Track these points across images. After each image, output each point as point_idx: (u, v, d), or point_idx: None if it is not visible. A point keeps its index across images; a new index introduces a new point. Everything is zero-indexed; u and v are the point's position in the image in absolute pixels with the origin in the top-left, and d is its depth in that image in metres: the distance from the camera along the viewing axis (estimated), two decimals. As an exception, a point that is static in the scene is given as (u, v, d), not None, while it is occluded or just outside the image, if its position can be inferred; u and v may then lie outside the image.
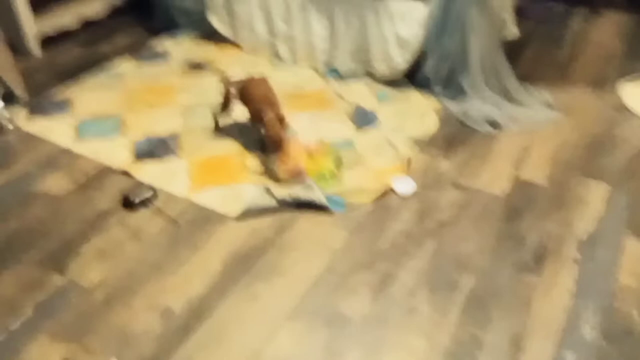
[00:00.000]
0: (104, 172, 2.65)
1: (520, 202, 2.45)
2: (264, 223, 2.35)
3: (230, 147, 2.75)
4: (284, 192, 2.40)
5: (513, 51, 3.23)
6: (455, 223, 2.35)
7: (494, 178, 2.58)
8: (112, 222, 2.38)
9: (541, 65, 3.44)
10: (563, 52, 3.62)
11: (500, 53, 2.93)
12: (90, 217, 2.40)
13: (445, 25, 2.87)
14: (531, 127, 2.88)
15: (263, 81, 2.75)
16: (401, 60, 3.06)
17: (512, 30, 3.36)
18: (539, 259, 2.19)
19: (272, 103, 2.64)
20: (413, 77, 3.19)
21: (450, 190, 2.52)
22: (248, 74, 2.81)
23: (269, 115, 2.56)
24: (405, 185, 2.51)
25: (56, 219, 2.38)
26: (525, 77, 3.14)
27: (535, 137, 2.83)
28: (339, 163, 2.60)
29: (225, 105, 2.80)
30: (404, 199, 2.47)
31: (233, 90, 2.74)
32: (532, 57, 3.53)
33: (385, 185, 2.51)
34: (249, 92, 2.70)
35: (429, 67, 3.03)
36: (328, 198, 2.40)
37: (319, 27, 3.25)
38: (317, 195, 2.38)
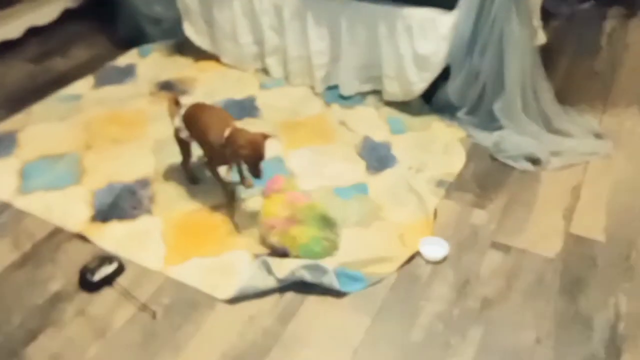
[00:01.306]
0: (55, 236, 2.11)
1: (578, 266, 1.98)
2: (263, 307, 1.84)
3: (215, 197, 2.22)
4: (286, 269, 1.88)
5: (543, 62, 2.73)
6: (503, 300, 1.87)
7: (542, 233, 2.10)
8: (67, 310, 1.85)
9: (577, 79, 2.95)
10: (600, 61, 3.14)
11: (541, 72, 2.43)
12: (38, 302, 1.87)
13: (475, 38, 2.36)
14: (577, 162, 2.40)
15: (206, 105, 2.19)
16: (418, 80, 2.55)
17: (540, 37, 2.86)
18: (614, 350, 1.73)
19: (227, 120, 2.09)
20: (429, 98, 2.69)
21: (491, 252, 2.04)
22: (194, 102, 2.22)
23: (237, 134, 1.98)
24: (435, 248, 2.02)
25: (-8, 307, 1.85)
26: (561, 95, 2.64)
27: (583, 175, 2.35)
28: (328, 224, 2.03)
29: (185, 150, 2.24)
30: (435, 265, 1.99)
31: (179, 123, 2.16)
32: (566, 69, 3.04)
33: (411, 249, 2.01)
34: (195, 120, 2.12)
35: (452, 89, 2.52)
36: (342, 273, 1.89)
37: (316, 37, 2.70)
38: (327, 278, 1.86)
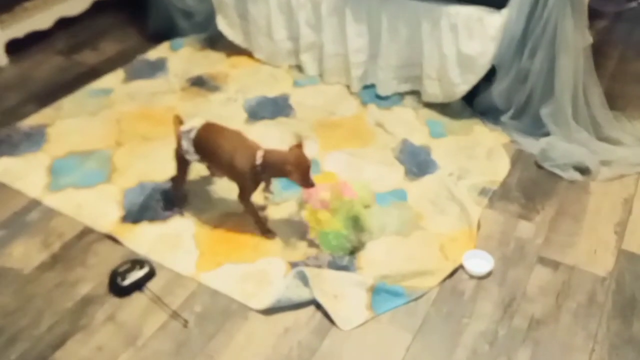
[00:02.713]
0: (86, 236, 2.05)
1: (632, 286, 1.86)
2: (299, 320, 1.76)
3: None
4: (324, 282, 1.80)
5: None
6: (552, 320, 1.76)
7: (592, 249, 1.99)
8: (97, 315, 1.79)
9: (625, 83, 2.80)
10: (649, 64, 3.00)
11: (593, 75, 2.30)
12: (67, 306, 1.81)
13: (526, 38, 2.23)
14: (628, 172, 2.27)
15: (220, 128, 1.99)
16: (461, 82, 2.43)
17: (586, 37, 2.72)
18: (673, 379, 1.62)
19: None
20: (470, 100, 2.57)
21: (539, 267, 1.93)
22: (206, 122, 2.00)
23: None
24: (480, 262, 1.91)
25: (21, 308, 1.79)
26: (608, 100, 2.49)
27: (635, 187, 2.22)
28: (356, 227, 1.96)
29: (183, 170, 2.06)
30: (479, 280, 1.89)
31: (187, 147, 1.95)
32: (613, 72, 2.89)
33: (454, 262, 1.92)
34: (211, 145, 1.94)
35: (498, 91, 2.40)
36: (381, 289, 1.80)
37: (355, 35, 2.60)
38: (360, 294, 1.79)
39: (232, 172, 1.94)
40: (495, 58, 2.33)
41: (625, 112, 2.53)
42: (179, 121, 2.03)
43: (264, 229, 2.01)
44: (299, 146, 1.85)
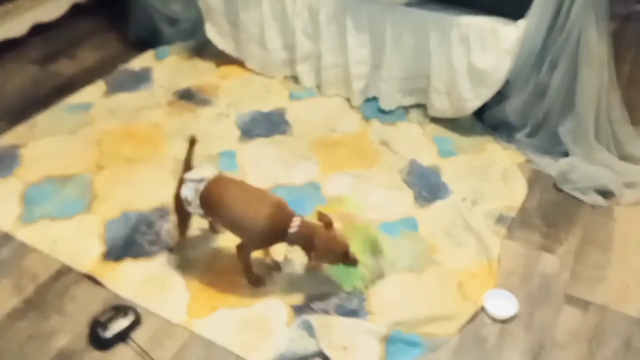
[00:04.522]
0: (62, 276, 1.83)
1: (670, 328, 1.71)
2: (305, 376, 1.57)
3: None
4: (332, 332, 1.60)
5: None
6: (586, 371, 1.60)
7: (623, 284, 1.81)
8: (77, 376, 1.58)
9: (641, 93, 2.65)
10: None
11: (615, 87, 2.13)
12: (42, 363, 1.60)
13: (545, 50, 2.05)
14: (654, 195, 2.11)
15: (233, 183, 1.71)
16: (472, 97, 2.24)
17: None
18: None
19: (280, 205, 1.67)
20: (480, 114, 2.39)
21: (567, 308, 1.75)
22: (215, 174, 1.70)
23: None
24: (502, 303, 1.73)
25: (-12, 369, 1.59)
26: (628, 110, 2.33)
27: (663, 212, 2.07)
28: (375, 253, 1.82)
29: (185, 221, 1.81)
30: (502, 324, 1.71)
31: (192, 199, 1.66)
32: (627, 79, 2.72)
33: (475, 303, 1.73)
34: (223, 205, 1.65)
35: (512, 107, 2.21)
36: (396, 338, 1.61)
37: (356, 45, 2.39)
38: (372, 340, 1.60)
39: (245, 230, 1.65)
40: (510, 72, 2.14)
41: (640, 125, 2.36)
42: (193, 143, 1.72)
43: (253, 279, 1.78)
44: (339, 236, 1.63)
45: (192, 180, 1.66)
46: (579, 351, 1.63)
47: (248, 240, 1.69)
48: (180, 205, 1.72)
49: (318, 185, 2.13)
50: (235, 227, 1.67)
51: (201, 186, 1.64)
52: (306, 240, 1.61)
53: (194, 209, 1.68)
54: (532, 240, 1.95)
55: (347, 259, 1.63)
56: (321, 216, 1.63)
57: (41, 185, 2.12)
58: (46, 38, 2.92)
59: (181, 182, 1.69)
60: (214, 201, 1.64)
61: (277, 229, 1.61)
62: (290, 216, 1.62)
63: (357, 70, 2.44)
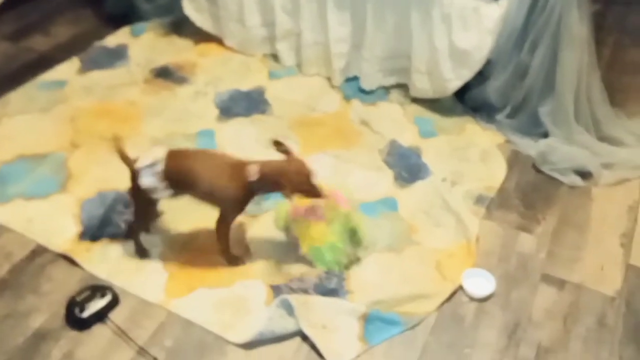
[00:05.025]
0: (38, 256, 1.80)
1: (643, 305, 1.74)
2: (284, 355, 1.57)
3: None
4: (311, 311, 1.60)
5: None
6: (561, 347, 1.61)
7: (599, 264, 1.84)
8: (53, 353, 1.56)
9: (622, 75, 2.64)
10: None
11: (595, 69, 2.14)
12: (18, 342, 1.58)
13: (527, 31, 2.04)
14: (631, 176, 2.13)
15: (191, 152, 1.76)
16: (453, 77, 2.24)
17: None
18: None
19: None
20: (461, 95, 2.38)
21: (543, 287, 1.77)
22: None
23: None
24: (480, 282, 1.75)
25: (-39, 350, 1.56)
26: (608, 92, 2.33)
27: (639, 192, 2.09)
28: (353, 242, 1.80)
29: (148, 210, 1.76)
30: (480, 302, 1.72)
31: (154, 182, 1.59)
32: (608, 62, 2.72)
33: (453, 282, 1.74)
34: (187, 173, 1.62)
35: (493, 87, 2.21)
36: (375, 317, 1.62)
37: (337, 23, 2.36)
38: (349, 321, 1.61)
39: (217, 198, 1.65)
40: (492, 52, 2.14)
41: (625, 108, 2.37)
42: (120, 145, 1.64)
43: (231, 258, 1.76)
44: (297, 159, 1.58)
45: (147, 167, 1.58)
46: (554, 329, 1.66)
47: (225, 208, 1.67)
48: (143, 198, 1.64)
49: (298, 165, 2.12)
50: (208, 196, 1.65)
51: (158, 168, 1.57)
52: (273, 179, 1.56)
53: (161, 192, 1.61)
54: (510, 220, 1.97)
55: (312, 187, 1.58)
56: (278, 145, 1.60)
57: (14, 164, 2.08)
58: (19, 12, 2.84)
59: (134, 175, 1.61)
60: (180, 177, 1.60)
61: (244, 186, 1.58)
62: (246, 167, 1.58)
63: (338, 48, 2.42)
